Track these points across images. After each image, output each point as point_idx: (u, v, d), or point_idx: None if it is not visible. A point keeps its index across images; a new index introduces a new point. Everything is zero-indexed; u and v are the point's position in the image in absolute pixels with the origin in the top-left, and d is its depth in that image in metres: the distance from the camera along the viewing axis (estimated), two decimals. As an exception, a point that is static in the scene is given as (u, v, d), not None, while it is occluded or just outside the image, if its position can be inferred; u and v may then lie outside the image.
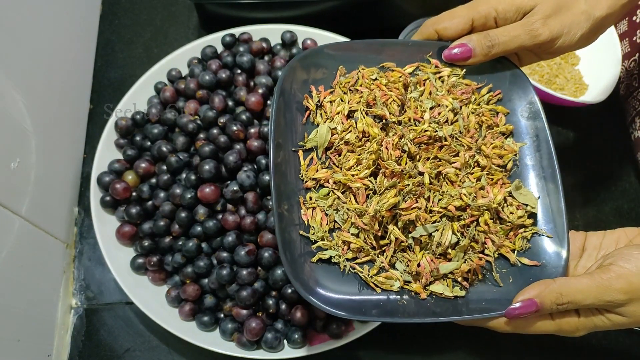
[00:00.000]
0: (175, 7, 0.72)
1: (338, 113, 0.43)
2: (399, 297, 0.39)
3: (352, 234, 0.40)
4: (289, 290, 0.49)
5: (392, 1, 0.66)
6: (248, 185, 0.52)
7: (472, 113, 0.44)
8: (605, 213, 0.62)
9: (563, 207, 0.41)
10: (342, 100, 0.44)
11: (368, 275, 0.40)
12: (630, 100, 0.64)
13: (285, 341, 0.50)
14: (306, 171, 0.42)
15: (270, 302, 0.50)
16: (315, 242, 0.40)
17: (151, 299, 0.52)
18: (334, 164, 0.42)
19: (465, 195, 0.40)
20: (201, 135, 0.56)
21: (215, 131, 0.55)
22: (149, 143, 0.57)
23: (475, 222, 0.41)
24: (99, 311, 0.56)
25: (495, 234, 0.41)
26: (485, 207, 0.40)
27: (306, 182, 0.42)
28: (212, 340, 0.50)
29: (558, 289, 0.36)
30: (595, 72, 0.65)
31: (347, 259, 0.40)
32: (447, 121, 0.44)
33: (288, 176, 0.41)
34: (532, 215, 0.42)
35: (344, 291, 0.39)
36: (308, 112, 0.44)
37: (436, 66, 0.45)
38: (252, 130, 0.54)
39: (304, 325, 0.50)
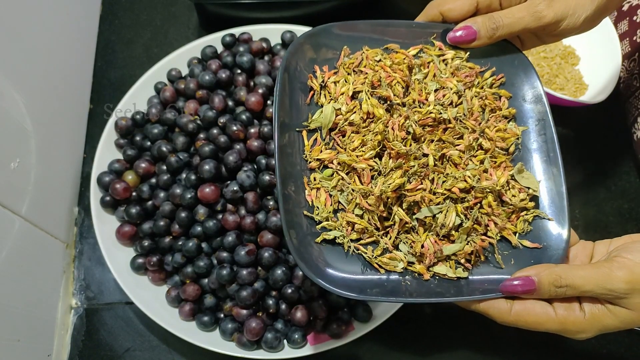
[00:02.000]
0: (175, 7, 0.72)
1: (342, 94, 0.43)
2: (402, 277, 0.39)
3: (356, 215, 0.40)
4: (289, 290, 0.50)
5: (392, 1, 0.66)
6: (248, 185, 0.52)
7: (476, 96, 0.44)
8: (605, 213, 0.62)
9: (564, 190, 0.41)
10: (346, 81, 0.43)
11: (372, 256, 0.40)
12: (633, 101, 0.64)
13: (285, 341, 0.50)
14: (310, 152, 0.42)
15: (270, 302, 0.50)
16: (320, 222, 0.40)
17: (151, 299, 0.52)
18: (338, 145, 0.42)
19: (469, 177, 0.40)
20: (201, 135, 0.56)
21: (215, 131, 0.55)
22: (149, 143, 0.57)
23: (478, 205, 0.41)
24: (99, 311, 0.56)
25: (498, 217, 0.41)
26: (488, 190, 0.40)
27: (310, 162, 0.42)
28: (212, 340, 0.50)
29: (558, 271, 0.36)
30: (595, 72, 0.65)
31: (351, 240, 0.40)
32: (451, 103, 0.43)
33: (293, 157, 0.41)
34: (534, 199, 0.42)
35: (348, 271, 0.39)
36: (312, 92, 0.44)
37: (440, 49, 0.45)
38: (252, 130, 0.54)
39: (304, 325, 0.50)
